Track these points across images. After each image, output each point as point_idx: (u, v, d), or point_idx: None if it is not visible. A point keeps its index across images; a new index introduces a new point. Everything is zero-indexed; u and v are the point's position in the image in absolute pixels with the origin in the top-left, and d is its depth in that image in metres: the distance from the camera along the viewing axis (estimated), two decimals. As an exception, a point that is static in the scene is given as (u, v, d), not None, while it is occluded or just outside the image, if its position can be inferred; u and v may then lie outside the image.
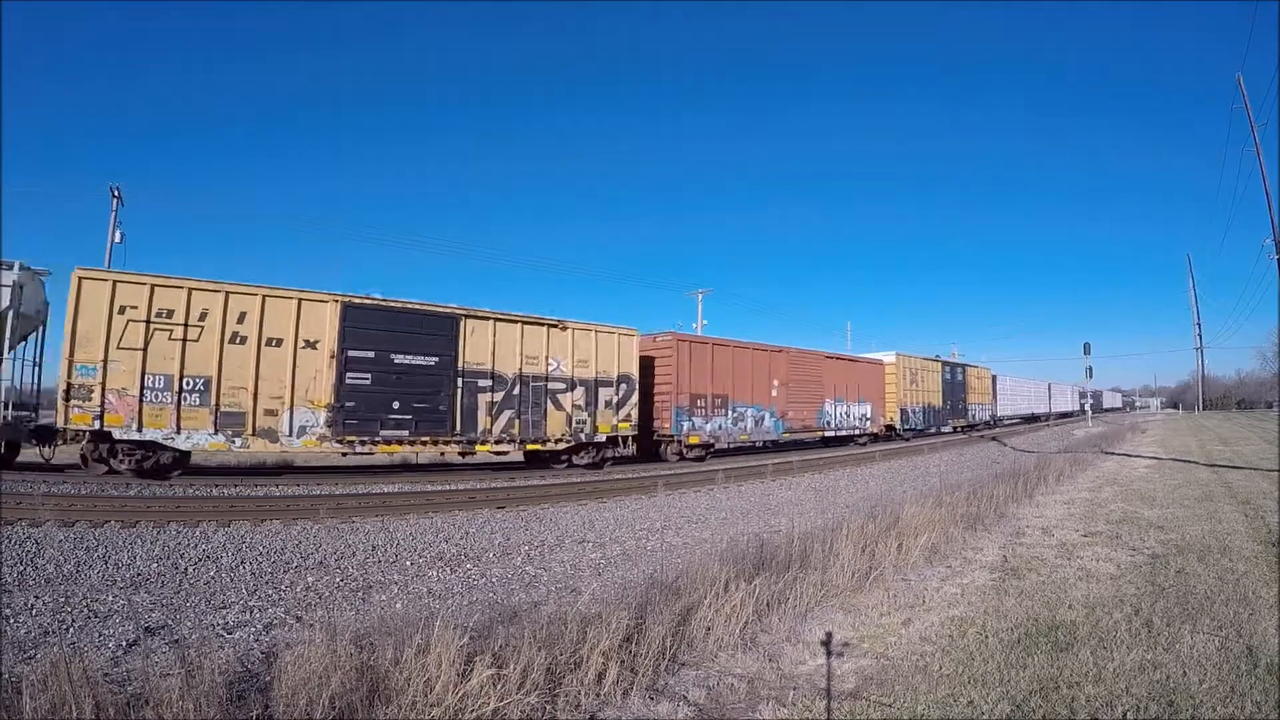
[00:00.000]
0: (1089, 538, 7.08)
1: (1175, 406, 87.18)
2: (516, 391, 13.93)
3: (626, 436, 16.01)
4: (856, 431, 24.77)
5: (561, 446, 14.73)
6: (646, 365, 17.26)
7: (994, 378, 40.76)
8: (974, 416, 36.26)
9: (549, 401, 14.48)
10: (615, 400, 15.68)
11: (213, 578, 5.85)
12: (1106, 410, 77.37)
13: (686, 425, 17.44)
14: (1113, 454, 18.18)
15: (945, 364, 32.74)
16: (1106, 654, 3.71)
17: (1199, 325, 60.46)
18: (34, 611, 4.70)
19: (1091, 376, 33.31)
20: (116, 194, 23.67)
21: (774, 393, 20.58)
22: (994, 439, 28.71)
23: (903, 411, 27.76)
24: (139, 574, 5.82)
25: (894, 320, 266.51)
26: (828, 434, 23.30)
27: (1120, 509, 8.90)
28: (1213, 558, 5.93)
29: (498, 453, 14.03)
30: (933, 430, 30.73)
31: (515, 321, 14.10)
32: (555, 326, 14.68)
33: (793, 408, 21.34)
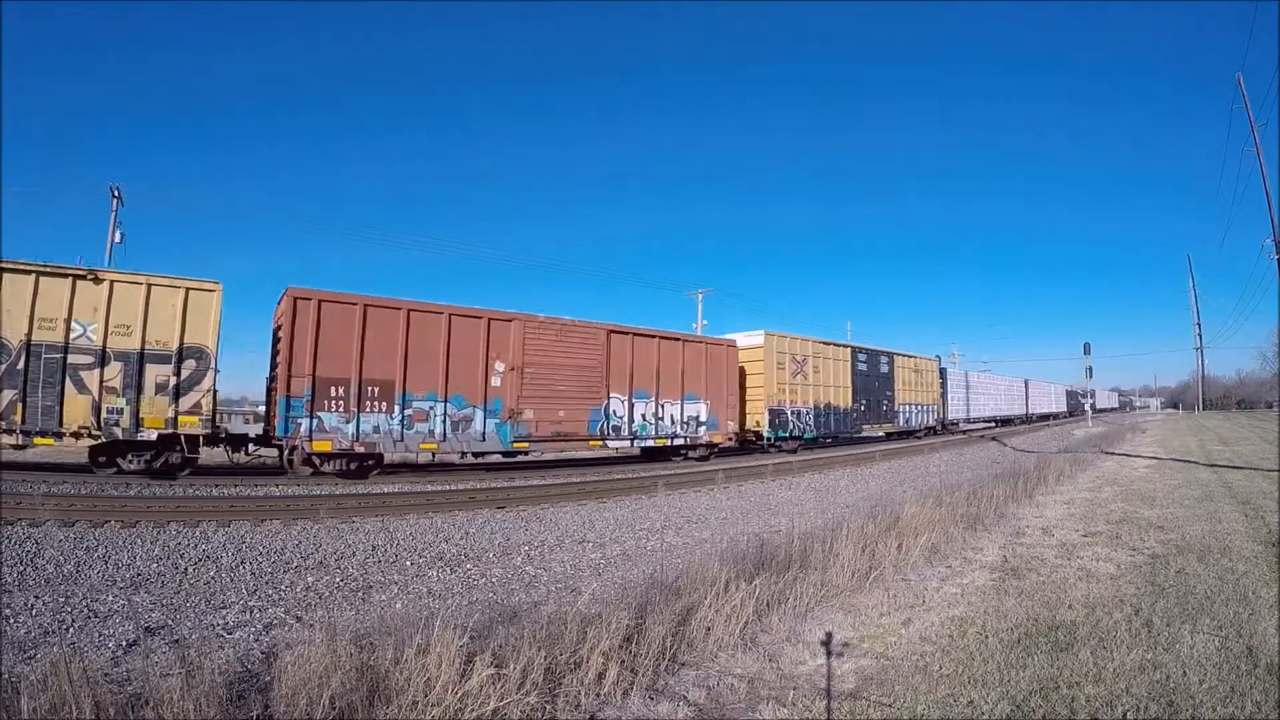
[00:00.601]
0: (1089, 538, 7.08)
1: (1175, 406, 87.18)
2: (21, 365, 10.30)
3: (196, 435, 11.36)
4: (681, 441, 17.60)
5: (88, 442, 10.84)
6: (277, 341, 12.88)
7: (943, 371, 33.48)
8: (908, 420, 28.76)
9: (67, 380, 10.57)
10: (174, 383, 11.11)
11: (213, 578, 5.86)
12: (1101, 410, 77.36)
13: (307, 424, 11.60)
14: (1113, 454, 18.18)
15: (858, 350, 25.28)
16: (1106, 654, 3.71)
17: (1199, 325, 60.52)
18: (34, 611, 4.70)
19: (1091, 376, 33.25)
20: (116, 194, 23.73)
21: (495, 381, 13.82)
22: (994, 439, 28.59)
23: (776, 413, 20.23)
24: (139, 574, 5.83)
25: (895, 321, 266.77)
26: (614, 443, 16.00)
27: (1120, 509, 8.90)
28: (1213, 558, 5.93)
29: (16, 447, 10.54)
30: (831, 439, 23.94)
31: (28, 272, 10.47)
32: (86, 277, 10.82)
33: (537, 405, 14.42)
